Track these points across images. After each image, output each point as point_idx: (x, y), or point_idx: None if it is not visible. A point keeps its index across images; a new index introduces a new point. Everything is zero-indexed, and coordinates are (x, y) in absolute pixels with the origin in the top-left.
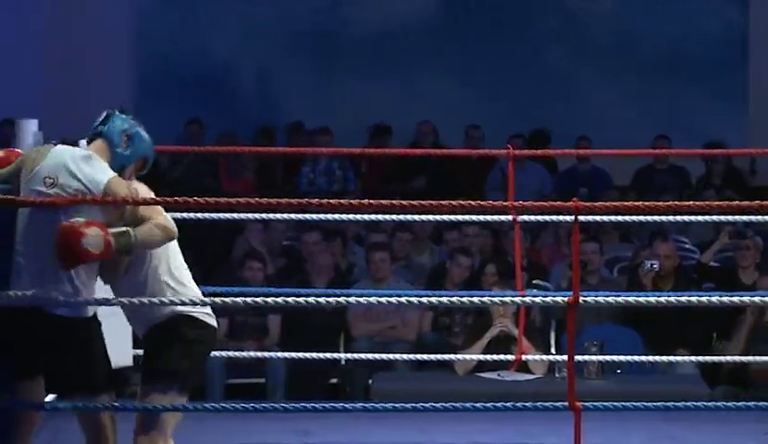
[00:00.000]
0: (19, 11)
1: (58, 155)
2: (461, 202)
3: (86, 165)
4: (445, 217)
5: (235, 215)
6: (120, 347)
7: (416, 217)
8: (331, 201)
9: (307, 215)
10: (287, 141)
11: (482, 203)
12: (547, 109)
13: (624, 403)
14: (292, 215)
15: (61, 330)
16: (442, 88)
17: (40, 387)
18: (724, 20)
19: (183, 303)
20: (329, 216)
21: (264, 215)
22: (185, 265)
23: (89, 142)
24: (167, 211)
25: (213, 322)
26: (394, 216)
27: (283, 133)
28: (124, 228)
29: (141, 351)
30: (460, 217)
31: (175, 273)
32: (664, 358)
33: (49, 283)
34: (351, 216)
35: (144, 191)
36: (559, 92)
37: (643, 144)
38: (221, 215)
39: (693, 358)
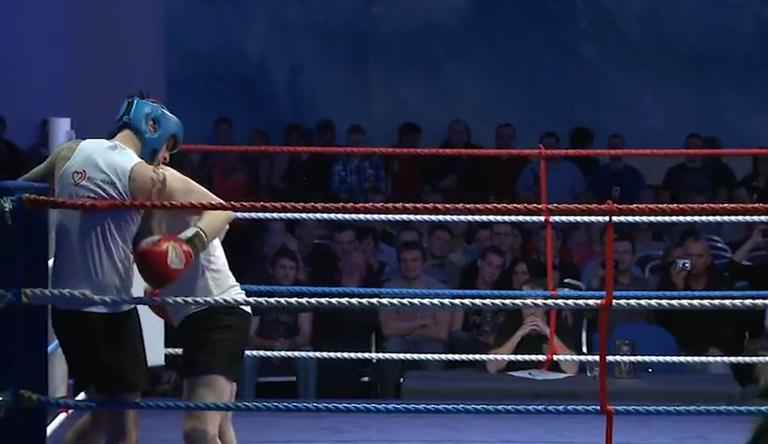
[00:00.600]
0: (50, 10)
1: (85, 149)
2: (495, 204)
3: (111, 154)
4: (477, 217)
5: (260, 215)
6: (152, 346)
7: (447, 218)
8: (365, 205)
9: (339, 215)
10: (317, 140)
11: (517, 205)
12: (579, 108)
13: (655, 407)
14: (324, 215)
15: (97, 326)
16: (474, 86)
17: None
18: (757, 18)
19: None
20: (360, 217)
21: (294, 215)
22: (221, 249)
23: (116, 134)
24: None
25: (248, 309)
26: (426, 217)
27: (314, 132)
28: (194, 230)
29: (172, 351)
30: (492, 217)
31: (212, 259)
32: (696, 358)
33: (83, 281)
34: (382, 217)
35: (174, 175)
36: (591, 91)
37: (675, 143)
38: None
39: (725, 359)
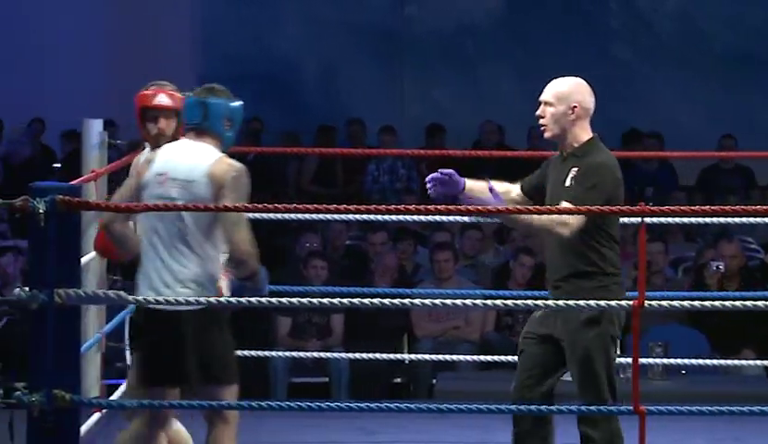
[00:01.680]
0: (82, 12)
1: (165, 153)
2: (528, 206)
3: (190, 153)
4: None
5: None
6: None
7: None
8: (398, 206)
9: (371, 216)
10: (348, 140)
11: (550, 207)
12: (612, 108)
13: (688, 407)
14: (356, 216)
15: (180, 324)
16: (507, 87)
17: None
18: None
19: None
20: (392, 218)
21: (325, 216)
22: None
23: (192, 136)
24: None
25: None
26: (458, 218)
27: (344, 132)
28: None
29: None
30: None
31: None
32: (729, 362)
33: (167, 282)
34: (414, 218)
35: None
36: (625, 92)
37: (709, 144)
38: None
39: (759, 362)
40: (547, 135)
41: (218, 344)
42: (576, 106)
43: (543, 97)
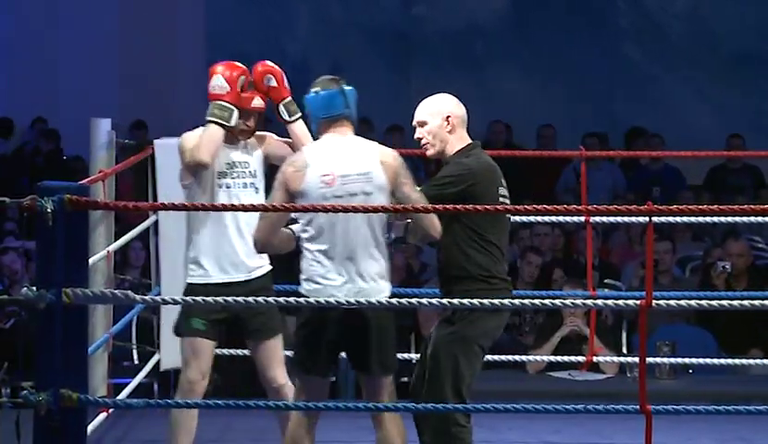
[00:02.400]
0: (93, 13)
1: (319, 153)
2: (536, 206)
3: (351, 149)
4: (517, 217)
5: None
6: None
7: None
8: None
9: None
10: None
11: (557, 206)
12: (621, 108)
13: (695, 407)
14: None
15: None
16: (515, 87)
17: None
18: None
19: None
20: None
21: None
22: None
23: (330, 126)
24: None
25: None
26: None
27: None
28: None
29: None
30: (531, 217)
31: None
32: (736, 361)
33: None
34: None
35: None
36: (633, 91)
37: (717, 143)
38: None
39: (767, 362)
40: (430, 153)
41: (392, 333)
42: (449, 116)
43: (416, 119)
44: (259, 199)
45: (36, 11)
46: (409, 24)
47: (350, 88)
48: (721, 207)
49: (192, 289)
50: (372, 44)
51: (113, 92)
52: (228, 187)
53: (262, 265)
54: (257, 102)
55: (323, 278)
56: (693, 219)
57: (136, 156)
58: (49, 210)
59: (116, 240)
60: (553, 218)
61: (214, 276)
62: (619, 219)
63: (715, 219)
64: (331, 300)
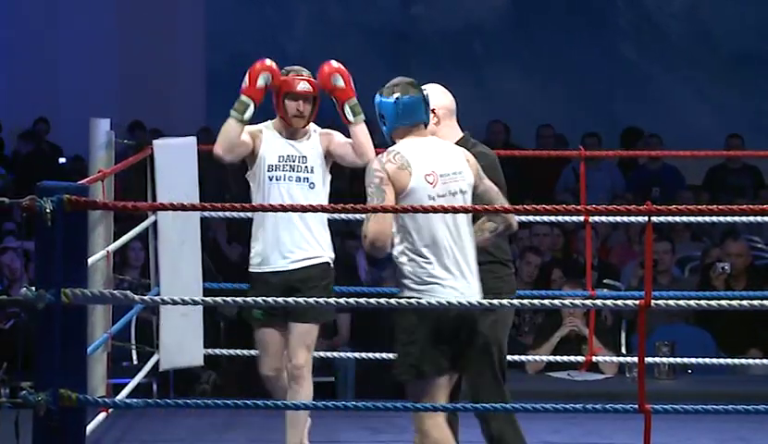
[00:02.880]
0: (93, 13)
1: (418, 155)
2: (535, 206)
3: (441, 150)
4: (516, 216)
5: None
6: (191, 346)
7: None
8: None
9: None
10: None
11: (556, 206)
12: (620, 108)
13: (693, 406)
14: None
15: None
16: (515, 86)
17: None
18: None
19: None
20: None
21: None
22: None
23: (410, 132)
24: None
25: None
26: None
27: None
28: None
29: (211, 351)
30: (531, 217)
31: None
32: (735, 361)
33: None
34: None
35: None
36: (632, 91)
37: (716, 143)
38: None
39: (766, 362)
40: None
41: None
42: (434, 109)
43: None
44: (313, 195)
45: (36, 11)
46: (408, 24)
47: (421, 89)
48: (720, 207)
49: (251, 276)
50: (371, 44)
51: (113, 92)
52: (277, 179)
53: (313, 255)
54: (303, 86)
55: (436, 278)
56: (692, 219)
57: (135, 156)
58: (48, 210)
59: (115, 240)
60: (552, 218)
61: (264, 264)
62: (618, 219)
63: (714, 219)
64: (433, 300)
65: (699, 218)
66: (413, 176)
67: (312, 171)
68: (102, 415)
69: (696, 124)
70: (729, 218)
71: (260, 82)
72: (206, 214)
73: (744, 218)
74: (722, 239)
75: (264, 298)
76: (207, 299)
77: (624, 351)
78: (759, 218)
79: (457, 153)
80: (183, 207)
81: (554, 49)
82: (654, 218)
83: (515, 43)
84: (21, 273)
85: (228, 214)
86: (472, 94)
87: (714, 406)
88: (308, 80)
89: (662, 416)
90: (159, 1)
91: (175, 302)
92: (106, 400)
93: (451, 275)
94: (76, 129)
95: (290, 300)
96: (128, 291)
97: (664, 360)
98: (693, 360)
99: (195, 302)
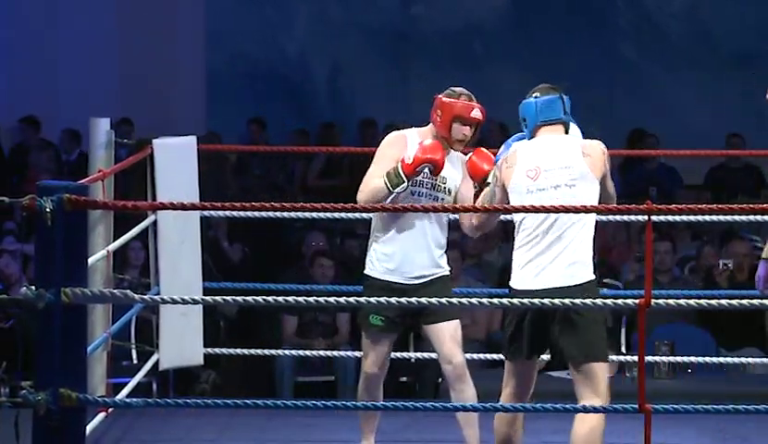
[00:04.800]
0: (93, 13)
1: (525, 149)
2: (534, 205)
3: (556, 144)
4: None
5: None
6: (191, 345)
7: None
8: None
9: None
10: (359, 139)
11: (555, 206)
12: (620, 108)
13: (694, 406)
14: (363, 215)
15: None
16: (515, 86)
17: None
18: None
19: None
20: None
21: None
22: None
23: (540, 127)
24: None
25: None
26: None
27: (355, 130)
28: None
29: (210, 351)
30: None
31: None
32: (735, 360)
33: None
34: None
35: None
36: (632, 91)
37: (716, 142)
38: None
39: (766, 360)
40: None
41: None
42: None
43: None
44: (446, 216)
45: (36, 11)
46: (408, 24)
47: (567, 96)
48: (720, 206)
49: (371, 281)
50: (371, 44)
51: (113, 92)
52: (419, 195)
53: (436, 272)
54: (476, 113)
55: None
56: (692, 218)
57: (135, 156)
58: (48, 209)
59: (115, 239)
60: None
61: (394, 275)
62: (618, 218)
63: (715, 218)
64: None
65: (700, 218)
66: (515, 172)
67: (450, 193)
68: (102, 415)
69: (696, 123)
70: (729, 218)
71: (420, 169)
72: (207, 213)
73: (744, 218)
74: (721, 238)
75: (390, 299)
76: (207, 298)
77: (623, 350)
78: (759, 218)
79: (573, 147)
80: (183, 207)
81: (554, 49)
82: (654, 218)
83: (515, 42)
84: (18, 277)
85: (228, 213)
86: (472, 94)
87: (714, 406)
88: (480, 108)
89: (662, 416)
90: (159, 1)
91: (175, 302)
92: (106, 399)
93: (542, 266)
94: (76, 128)
95: (412, 299)
96: (128, 291)
97: (664, 359)
98: (693, 359)
99: (195, 302)
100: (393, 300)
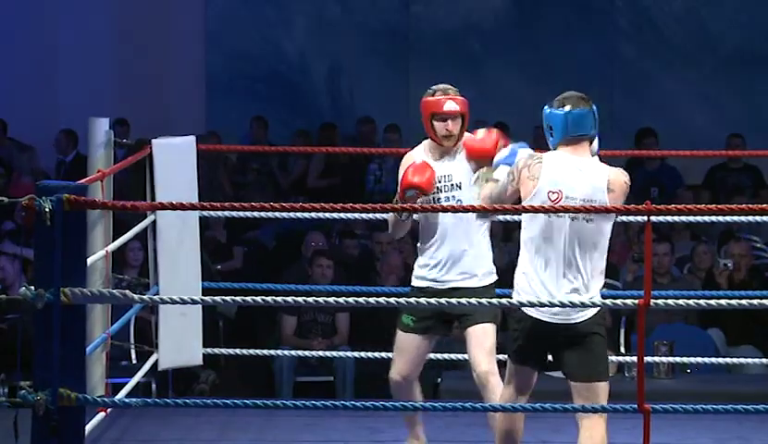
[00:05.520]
0: (93, 11)
1: (553, 168)
2: (533, 205)
3: (584, 172)
4: (515, 217)
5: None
6: (190, 346)
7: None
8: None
9: (377, 216)
10: (358, 138)
11: (554, 206)
12: (619, 107)
13: (693, 406)
14: (362, 215)
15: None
16: (514, 86)
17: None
18: None
19: None
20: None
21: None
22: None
23: (571, 144)
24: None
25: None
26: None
27: (353, 130)
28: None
29: (210, 351)
30: None
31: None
32: (734, 360)
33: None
34: None
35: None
36: (631, 91)
37: (716, 143)
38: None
39: (765, 361)
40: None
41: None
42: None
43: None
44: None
45: (36, 11)
46: (407, 23)
47: (595, 108)
48: (720, 207)
49: (412, 290)
50: (370, 44)
51: (113, 92)
52: (429, 202)
53: (472, 276)
54: (450, 105)
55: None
56: (692, 219)
57: (134, 156)
58: (47, 210)
59: (114, 239)
60: None
61: (426, 281)
62: (618, 219)
63: (714, 219)
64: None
65: (699, 218)
66: (536, 188)
67: (460, 187)
68: (101, 415)
69: (696, 123)
70: (730, 218)
71: (410, 196)
72: (206, 213)
73: (744, 218)
74: (720, 239)
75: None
76: (206, 298)
77: (623, 350)
78: (758, 218)
79: (600, 180)
80: (183, 207)
81: (554, 49)
82: (653, 218)
83: (515, 42)
84: (15, 279)
85: (227, 213)
86: (471, 94)
87: (714, 405)
88: (454, 99)
89: (662, 415)
90: (158, 1)
91: (174, 302)
92: (105, 399)
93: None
94: (75, 128)
95: (442, 300)
96: (127, 291)
97: (663, 359)
98: (692, 359)
99: (194, 302)
100: (413, 300)
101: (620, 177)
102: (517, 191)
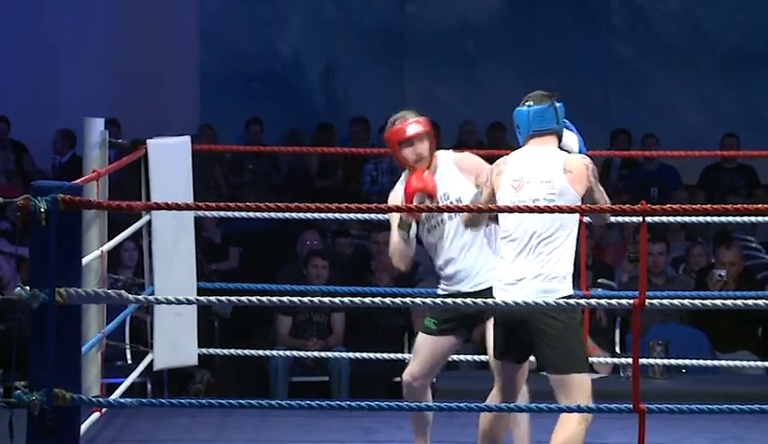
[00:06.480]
0: (88, 11)
1: (516, 159)
2: (529, 206)
3: (543, 157)
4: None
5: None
6: (185, 346)
7: None
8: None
9: (372, 216)
10: (351, 138)
11: (550, 206)
12: (615, 108)
13: (688, 406)
14: (357, 215)
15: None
16: (509, 85)
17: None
18: None
19: None
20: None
21: (326, 215)
22: None
23: (533, 138)
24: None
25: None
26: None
27: (347, 130)
28: None
29: (205, 351)
30: None
31: None
32: (729, 362)
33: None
34: None
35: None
36: (627, 91)
37: (711, 143)
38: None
39: (759, 363)
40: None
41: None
42: None
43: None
44: (454, 223)
45: (36, 11)
46: (402, 22)
47: (560, 103)
48: (715, 207)
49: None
50: (365, 43)
51: (108, 92)
52: (421, 224)
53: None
54: (413, 129)
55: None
56: (687, 219)
57: (129, 156)
58: (42, 210)
59: (109, 239)
60: None
61: (455, 284)
62: (613, 219)
63: (709, 219)
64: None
65: (694, 218)
66: (503, 180)
67: (447, 197)
68: (96, 415)
69: (691, 123)
70: (724, 218)
71: (416, 200)
72: (201, 213)
73: (738, 218)
74: (715, 239)
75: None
76: (202, 298)
77: (618, 350)
78: (753, 218)
79: (555, 163)
80: (178, 207)
81: (549, 48)
82: (649, 218)
83: (510, 42)
84: (10, 279)
85: (222, 213)
86: (466, 93)
87: (708, 405)
88: (416, 122)
89: (657, 415)
90: (153, 0)
91: (169, 302)
92: (100, 399)
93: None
94: (74, 128)
95: (457, 300)
96: (122, 291)
97: (659, 360)
98: (687, 361)
99: (189, 302)
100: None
101: (577, 159)
102: (492, 191)
